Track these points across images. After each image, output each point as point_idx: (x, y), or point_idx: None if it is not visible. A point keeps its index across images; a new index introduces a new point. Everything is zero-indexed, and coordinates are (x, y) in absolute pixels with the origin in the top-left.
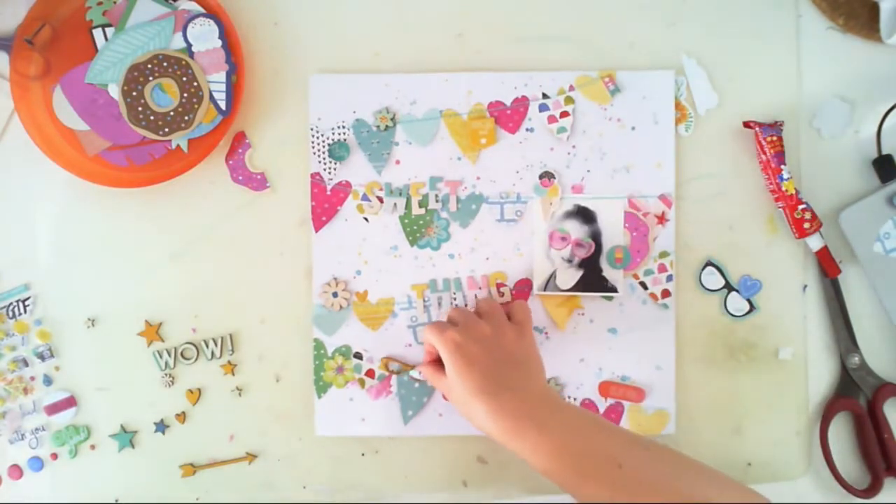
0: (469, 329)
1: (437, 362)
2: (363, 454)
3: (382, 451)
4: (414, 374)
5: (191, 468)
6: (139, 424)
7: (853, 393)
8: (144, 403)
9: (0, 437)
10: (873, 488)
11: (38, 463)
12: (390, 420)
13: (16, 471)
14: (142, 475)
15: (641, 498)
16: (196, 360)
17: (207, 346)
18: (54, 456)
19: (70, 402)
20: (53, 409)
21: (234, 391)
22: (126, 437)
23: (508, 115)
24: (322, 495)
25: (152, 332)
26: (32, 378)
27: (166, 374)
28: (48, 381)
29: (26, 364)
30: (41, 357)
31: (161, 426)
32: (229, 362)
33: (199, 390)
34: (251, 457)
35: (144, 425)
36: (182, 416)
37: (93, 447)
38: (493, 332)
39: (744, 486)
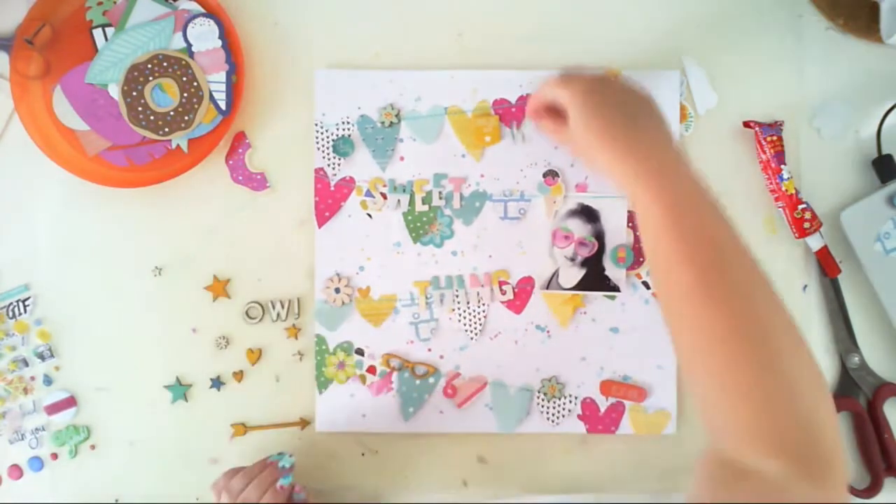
0: (597, 79)
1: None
2: (363, 454)
3: (382, 450)
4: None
5: (242, 428)
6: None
7: (853, 393)
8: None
9: (0, 437)
10: (873, 488)
11: (38, 463)
12: (391, 416)
13: (16, 471)
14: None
15: (719, 291)
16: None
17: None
18: (54, 456)
19: (70, 402)
20: (53, 409)
21: (235, 390)
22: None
23: (513, 113)
24: (322, 495)
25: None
26: (32, 378)
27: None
28: (48, 381)
29: (26, 364)
30: (41, 357)
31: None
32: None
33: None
34: (304, 422)
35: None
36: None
37: (93, 447)
38: (622, 84)
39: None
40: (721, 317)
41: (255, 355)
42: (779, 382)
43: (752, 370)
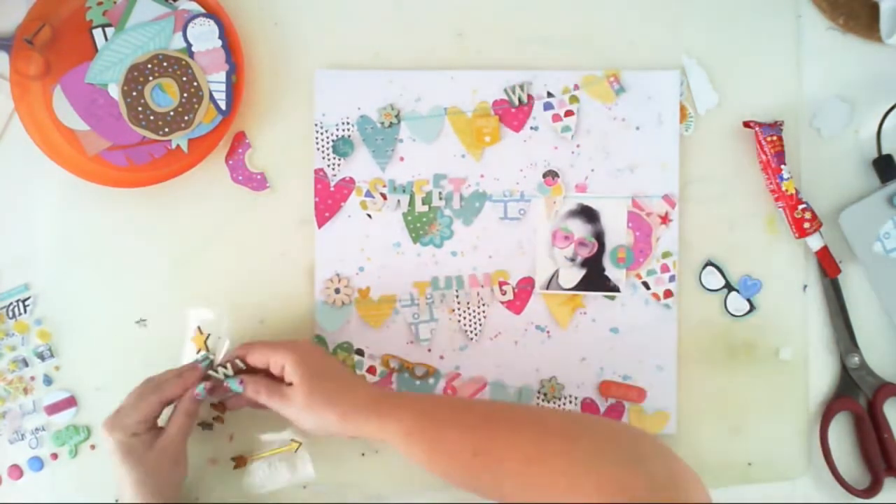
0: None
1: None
2: (363, 454)
3: (382, 451)
4: (231, 383)
5: (243, 459)
6: None
7: (853, 393)
8: None
9: (0, 437)
10: (873, 488)
11: (38, 463)
12: None
13: (16, 471)
14: None
15: (500, 483)
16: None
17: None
18: (54, 456)
19: (70, 402)
20: (53, 409)
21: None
22: None
23: (513, 114)
24: (322, 495)
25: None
26: (32, 378)
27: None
28: (48, 381)
29: (26, 364)
30: (41, 357)
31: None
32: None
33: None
34: (297, 444)
35: None
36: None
37: (93, 447)
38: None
39: (610, 424)
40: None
41: None
42: (584, 455)
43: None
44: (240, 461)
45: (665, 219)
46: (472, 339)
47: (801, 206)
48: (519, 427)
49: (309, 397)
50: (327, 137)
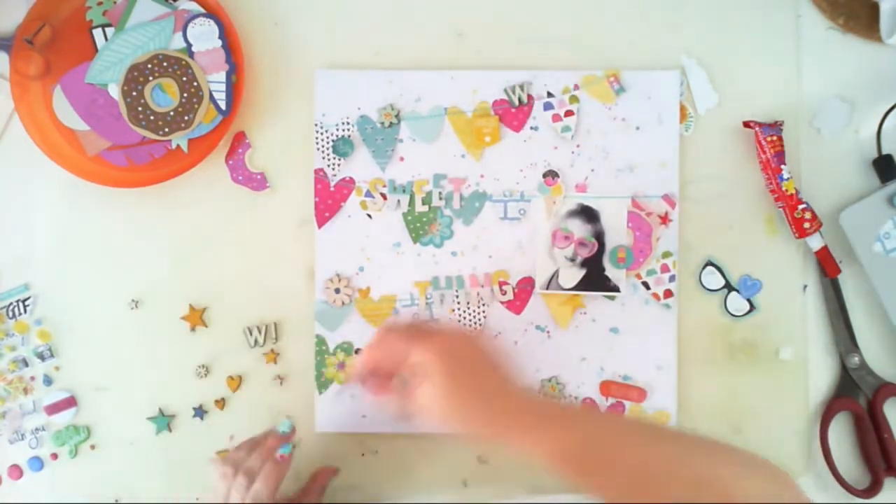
0: (454, 337)
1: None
2: (363, 454)
3: (382, 450)
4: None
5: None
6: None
7: (853, 393)
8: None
9: (0, 437)
10: (873, 488)
11: (38, 463)
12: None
13: (16, 471)
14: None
15: (648, 491)
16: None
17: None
18: (54, 456)
19: (70, 402)
20: (53, 409)
21: (235, 391)
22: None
23: (513, 114)
24: (323, 495)
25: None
26: (32, 378)
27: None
28: (48, 381)
29: (26, 364)
30: (41, 357)
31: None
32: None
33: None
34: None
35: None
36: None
37: (93, 447)
38: (472, 337)
39: (754, 458)
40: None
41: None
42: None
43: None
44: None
45: (665, 219)
46: None
47: (801, 206)
48: (688, 450)
49: (447, 413)
50: (327, 137)
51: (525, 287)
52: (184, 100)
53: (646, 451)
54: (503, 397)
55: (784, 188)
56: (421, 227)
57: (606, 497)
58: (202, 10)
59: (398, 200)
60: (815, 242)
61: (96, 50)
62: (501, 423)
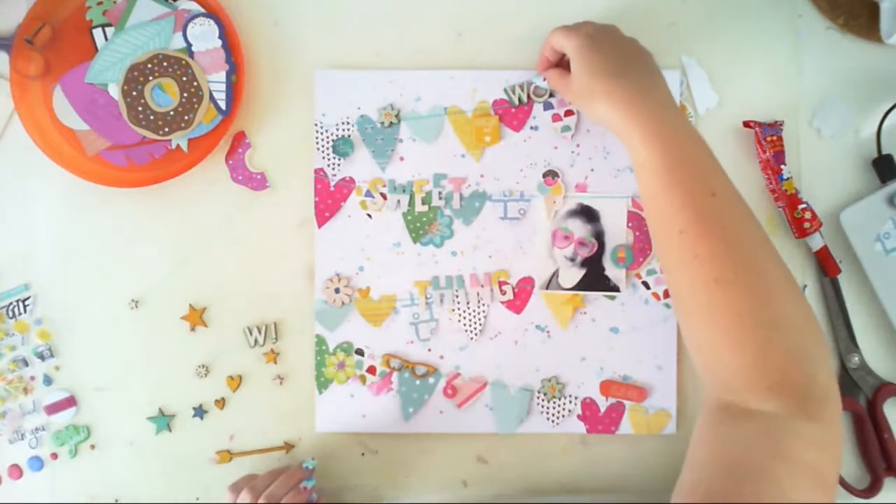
0: (601, 27)
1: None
2: (363, 454)
3: (382, 450)
4: (537, 80)
5: (227, 455)
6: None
7: (853, 393)
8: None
9: (0, 437)
10: (873, 488)
11: (38, 463)
12: (391, 417)
13: (16, 471)
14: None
15: (713, 235)
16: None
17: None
18: (54, 456)
19: (70, 401)
20: (53, 409)
21: (235, 390)
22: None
23: (513, 114)
24: (322, 495)
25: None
26: (32, 378)
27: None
28: (48, 381)
29: (26, 364)
30: (41, 357)
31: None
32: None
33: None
34: (288, 446)
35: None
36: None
37: (93, 447)
38: (623, 35)
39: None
40: (717, 257)
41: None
42: (775, 320)
43: (749, 308)
44: (223, 457)
45: None
46: (472, 338)
47: (801, 206)
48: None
49: (585, 95)
50: (327, 137)
51: (525, 287)
52: (184, 100)
53: (729, 203)
54: (647, 88)
55: (784, 188)
56: (421, 226)
57: (683, 218)
58: (202, 10)
59: (398, 200)
60: (815, 242)
61: (96, 50)
62: (636, 109)
